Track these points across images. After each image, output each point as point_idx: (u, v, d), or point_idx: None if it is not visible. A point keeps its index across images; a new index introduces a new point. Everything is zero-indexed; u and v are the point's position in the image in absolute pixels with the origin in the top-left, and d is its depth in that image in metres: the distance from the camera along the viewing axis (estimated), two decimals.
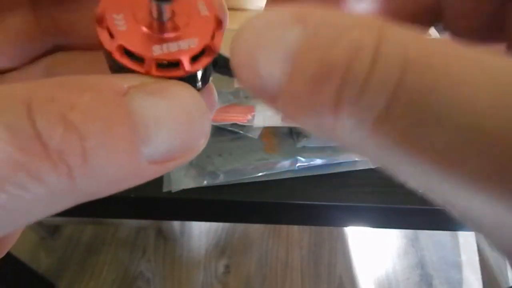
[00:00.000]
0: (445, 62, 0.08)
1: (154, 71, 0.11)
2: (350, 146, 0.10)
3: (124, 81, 0.10)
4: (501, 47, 0.14)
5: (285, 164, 0.44)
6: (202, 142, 0.12)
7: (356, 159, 0.45)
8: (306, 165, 0.44)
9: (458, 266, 1.16)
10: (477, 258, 1.16)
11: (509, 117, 0.07)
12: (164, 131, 0.10)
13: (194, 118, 0.11)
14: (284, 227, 1.22)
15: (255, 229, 1.21)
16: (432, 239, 1.22)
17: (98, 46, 0.12)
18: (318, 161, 0.44)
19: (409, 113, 0.08)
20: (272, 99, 0.10)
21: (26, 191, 0.08)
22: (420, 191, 0.10)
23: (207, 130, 0.12)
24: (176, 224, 1.18)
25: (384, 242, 1.22)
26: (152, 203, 0.45)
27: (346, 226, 1.13)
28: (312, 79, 0.09)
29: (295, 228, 1.22)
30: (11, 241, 0.15)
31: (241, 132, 0.47)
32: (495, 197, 0.08)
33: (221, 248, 1.14)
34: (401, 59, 0.08)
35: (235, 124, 0.47)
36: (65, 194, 0.09)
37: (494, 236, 0.09)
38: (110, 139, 0.09)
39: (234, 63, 0.10)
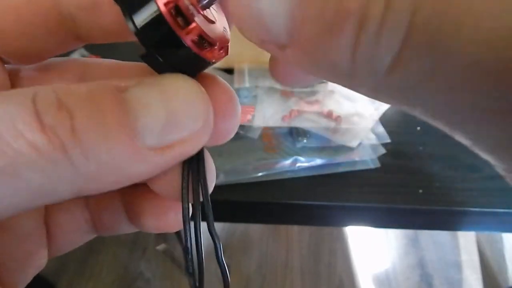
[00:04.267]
0: None
1: (195, 42, 0.12)
2: (365, 90, 0.10)
3: (123, 82, 0.12)
4: None
5: (285, 164, 0.44)
6: (201, 128, 0.12)
7: (356, 159, 0.45)
8: (306, 165, 0.44)
9: (458, 266, 1.16)
10: (477, 258, 1.16)
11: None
12: (154, 116, 0.11)
13: (187, 103, 0.12)
14: (284, 227, 1.22)
15: (255, 229, 1.21)
16: (432, 239, 1.22)
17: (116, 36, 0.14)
18: (318, 161, 0.44)
19: (422, 54, 0.08)
20: (279, 47, 0.10)
21: (25, 158, 0.10)
22: (429, 119, 0.10)
23: (204, 115, 0.12)
24: None
25: (384, 242, 1.22)
26: None
27: (346, 226, 1.13)
28: (327, 26, 0.09)
29: (295, 228, 1.22)
30: (39, 265, 0.16)
31: (241, 132, 0.47)
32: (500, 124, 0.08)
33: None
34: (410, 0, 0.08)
35: None
36: (65, 171, 0.10)
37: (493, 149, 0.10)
38: (100, 121, 0.10)
39: (234, 10, 0.10)
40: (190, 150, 0.12)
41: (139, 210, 0.17)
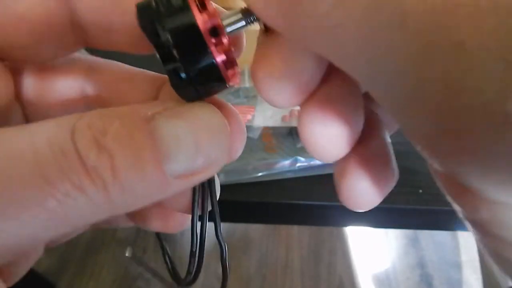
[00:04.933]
0: None
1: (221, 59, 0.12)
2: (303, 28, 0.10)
3: (149, 109, 0.12)
4: None
5: (285, 164, 0.44)
6: (222, 156, 0.13)
7: None
8: (306, 165, 0.44)
9: (458, 266, 1.16)
10: (477, 258, 1.16)
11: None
12: (184, 149, 0.12)
13: (213, 135, 0.13)
14: (284, 227, 1.22)
15: (255, 229, 1.21)
16: (432, 239, 1.22)
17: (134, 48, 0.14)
18: (318, 161, 0.44)
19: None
20: None
21: (71, 199, 0.10)
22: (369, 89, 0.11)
23: (226, 146, 0.13)
24: None
25: (384, 242, 1.22)
26: None
27: (346, 226, 1.13)
28: None
29: (295, 228, 1.22)
30: (32, 260, 0.17)
31: None
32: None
33: None
34: None
35: None
36: (104, 205, 0.11)
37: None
38: (136, 158, 0.11)
39: None
40: (210, 175, 0.13)
41: (145, 212, 0.17)
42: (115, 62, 0.17)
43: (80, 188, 0.11)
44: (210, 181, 0.16)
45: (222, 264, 0.16)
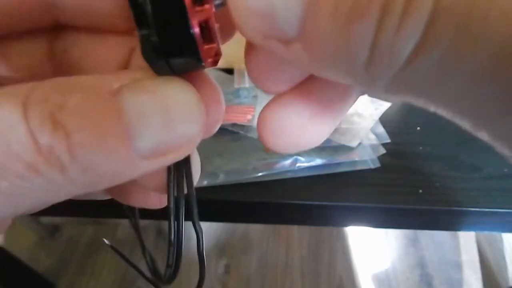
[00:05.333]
0: None
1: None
2: (377, 88, 0.09)
3: (116, 81, 0.11)
4: None
5: (285, 164, 0.44)
6: (195, 136, 0.12)
7: (356, 159, 0.45)
8: (306, 165, 0.44)
9: (458, 266, 1.16)
10: (477, 258, 1.16)
11: None
12: (151, 126, 0.11)
13: (184, 113, 0.11)
14: (284, 227, 1.22)
15: (255, 229, 1.21)
16: (432, 239, 1.22)
17: (105, 27, 0.13)
18: (318, 161, 0.44)
19: (447, 39, 0.07)
20: (284, 42, 0.09)
21: (25, 181, 0.10)
22: (448, 115, 0.10)
23: (199, 124, 0.12)
24: None
25: (384, 242, 1.22)
26: None
27: (346, 226, 1.13)
28: (346, 13, 0.08)
29: (295, 228, 1.22)
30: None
31: (241, 132, 0.47)
32: None
33: (221, 248, 1.14)
34: None
35: (235, 124, 0.47)
36: (63, 184, 0.10)
37: None
38: (98, 136, 0.10)
39: (237, 4, 0.09)
40: (183, 155, 0.12)
41: (127, 188, 0.17)
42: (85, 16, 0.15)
43: (34, 169, 0.10)
44: (187, 161, 0.14)
45: (198, 254, 0.15)
